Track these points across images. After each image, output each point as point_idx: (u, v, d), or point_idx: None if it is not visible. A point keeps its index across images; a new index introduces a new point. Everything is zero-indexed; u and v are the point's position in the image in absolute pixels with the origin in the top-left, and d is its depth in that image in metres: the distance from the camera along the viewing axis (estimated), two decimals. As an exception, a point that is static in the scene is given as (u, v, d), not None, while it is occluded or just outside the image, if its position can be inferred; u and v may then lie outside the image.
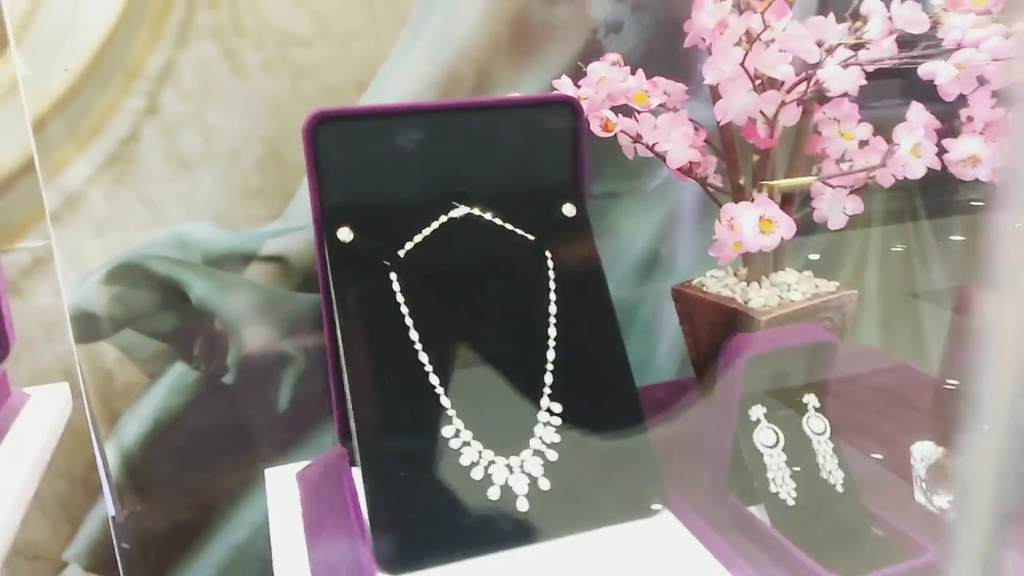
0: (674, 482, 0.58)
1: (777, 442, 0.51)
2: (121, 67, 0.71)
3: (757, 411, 0.52)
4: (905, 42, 0.59)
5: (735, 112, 0.56)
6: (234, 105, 0.75)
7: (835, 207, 0.63)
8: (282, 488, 0.59)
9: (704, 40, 0.58)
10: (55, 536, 0.78)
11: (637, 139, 0.62)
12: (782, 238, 0.67)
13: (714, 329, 0.64)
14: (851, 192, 0.64)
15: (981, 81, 0.56)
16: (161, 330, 0.78)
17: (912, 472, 0.55)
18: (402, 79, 0.79)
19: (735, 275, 0.68)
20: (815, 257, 0.89)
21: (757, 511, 0.51)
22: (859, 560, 0.46)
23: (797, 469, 0.50)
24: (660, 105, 0.63)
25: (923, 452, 0.54)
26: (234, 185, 0.75)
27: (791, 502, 0.49)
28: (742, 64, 0.53)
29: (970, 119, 0.58)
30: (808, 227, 0.65)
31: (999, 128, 0.58)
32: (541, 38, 0.83)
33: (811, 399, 0.53)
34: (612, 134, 0.61)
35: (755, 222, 0.54)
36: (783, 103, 0.55)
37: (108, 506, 0.79)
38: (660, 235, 0.91)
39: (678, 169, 0.62)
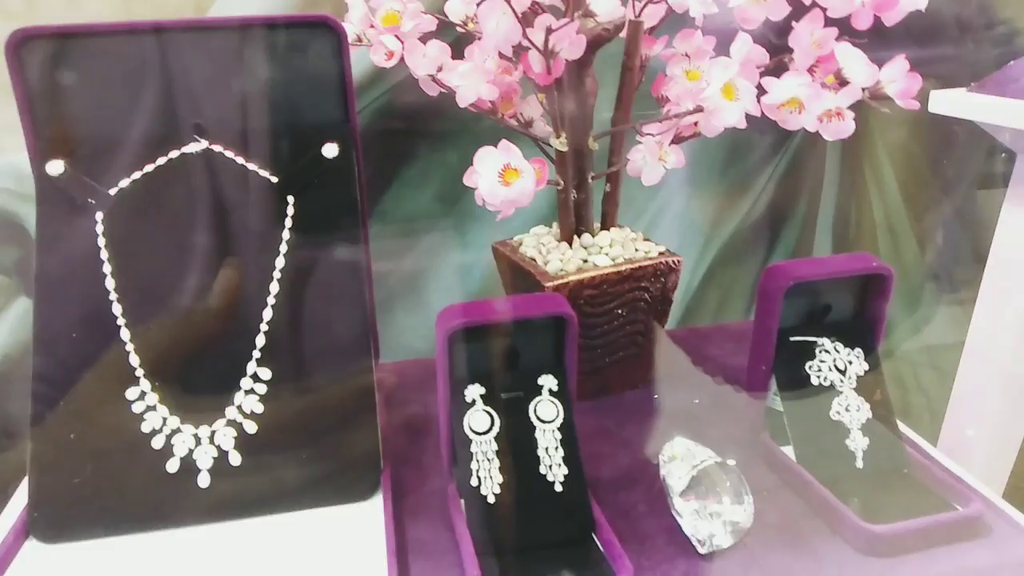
0: (418, 463, 0.52)
1: (490, 428, 0.44)
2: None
3: (473, 391, 0.44)
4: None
5: (496, 39, 0.47)
6: (65, 16, 0.70)
7: (651, 160, 0.54)
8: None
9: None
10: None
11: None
12: (607, 191, 0.59)
13: (525, 292, 0.57)
14: (673, 142, 0.54)
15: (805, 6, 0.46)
16: (2, 263, 0.76)
17: (661, 474, 0.46)
18: (249, 1, 0.73)
19: (554, 234, 0.60)
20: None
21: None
22: (540, 574, 0.39)
23: (509, 461, 0.43)
24: (465, 31, 0.55)
25: (679, 451, 0.46)
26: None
27: (491, 498, 0.42)
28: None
29: (791, 54, 0.47)
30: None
31: (830, 66, 0.47)
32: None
33: (548, 381, 0.45)
34: (393, 63, 0.53)
35: (497, 170, 0.46)
36: (550, 29, 0.46)
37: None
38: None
39: (476, 108, 0.53)
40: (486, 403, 0.44)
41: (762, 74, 0.49)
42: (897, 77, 0.44)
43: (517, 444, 0.44)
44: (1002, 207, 0.74)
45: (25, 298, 0.77)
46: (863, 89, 0.46)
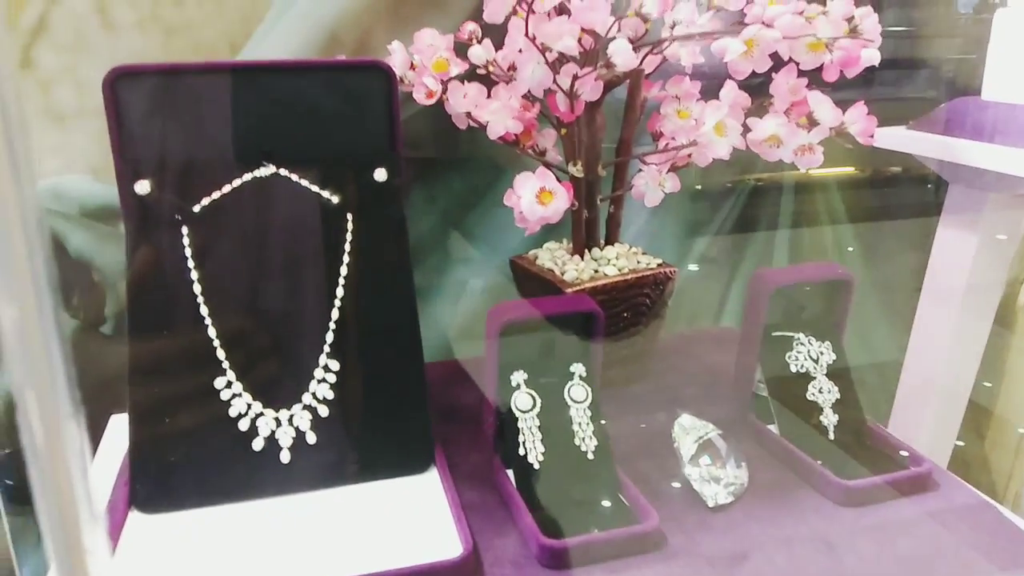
0: (458, 442, 0.60)
1: (533, 407, 0.52)
2: (-7, 20, 0.73)
3: (518, 376, 0.53)
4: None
5: (530, 84, 0.56)
6: (106, 62, 0.77)
7: (651, 185, 0.63)
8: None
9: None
10: (-62, 467, 0.82)
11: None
12: (611, 212, 0.68)
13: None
14: (670, 170, 0.64)
15: (779, 59, 0.56)
16: (39, 278, 0.81)
17: (674, 444, 0.56)
18: (278, 40, 0.80)
19: (566, 248, 0.69)
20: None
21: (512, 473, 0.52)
22: (582, 524, 0.48)
23: (550, 434, 0.52)
24: (489, 74, 0.64)
25: (686, 425, 0.55)
26: (108, 139, 0.78)
27: (537, 465, 0.51)
28: (527, 35, 0.53)
29: (770, 99, 0.58)
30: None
31: (803, 109, 0.58)
32: (426, 3, 0.83)
33: (578, 368, 0.54)
34: (433, 102, 0.62)
35: (534, 193, 0.55)
36: (576, 77, 0.56)
37: (-13, 444, 0.83)
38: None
39: (502, 140, 0.62)
40: (528, 386, 0.53)
41: (746, 115, 0.59)
42: (858, 119, 0.55)
43: (555, 420, 0.53)
44: (936, 231, 0.86)
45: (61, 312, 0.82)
46: (830, 128, 0.56)
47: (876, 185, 1.07)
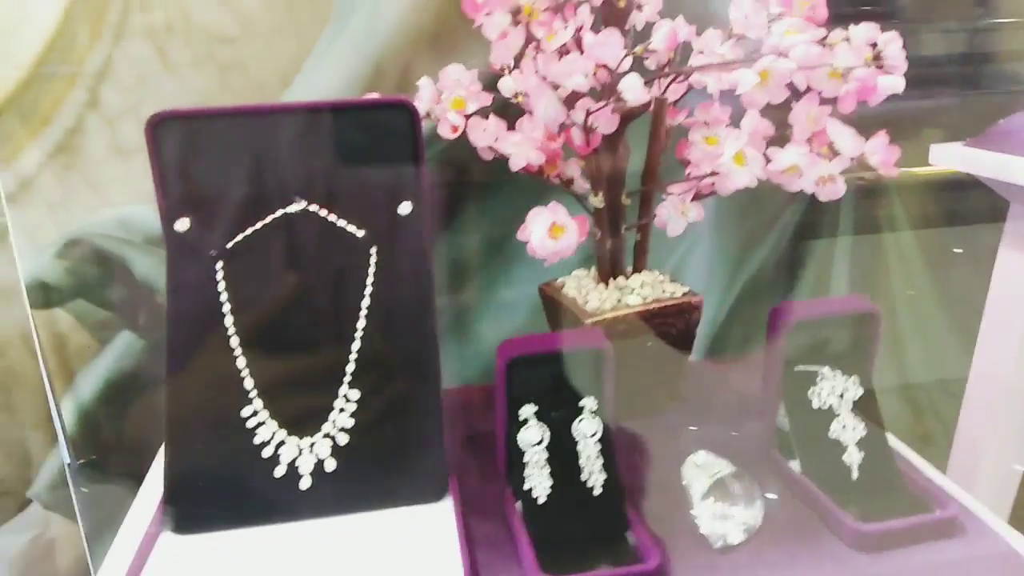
0: (480, 471, 0.61)
1: (541, 441, 0.53)
2: (65, 64, 0.79)
3: (527, 410, 0.54)
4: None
5: (545, 120, 0.57)
6: (167, 99, 0.82)
7: (674, 214, 0.63)
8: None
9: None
10: (19, 477, 0.90)
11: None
12: (638, 240, 0.68)
13: (568, 327, 0.66)
14: (694, 199, 0.64)
15: (799, 90, 0.55)
16: (109, 300, 0.87)
17: (683, 482, 0.55)
18: (326, 74, 0.84)
19: (593, 276, 0.69)
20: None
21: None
22: (584, 561, 0.48)
23: (556, 468, 0.52)
24: (517, 105, 0.65)
25: (700, 463, 0.55)
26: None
27: (542, 500, 0.51)
28: (536, 73, 0.54)
29: (789, 128, 0.56)
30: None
31: (824, 139, 0.57)
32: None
33: (589, 402, 0.54)
34: (457, 135, 0.64)
35: (546, 227, 0.55)
36: (589, 112, 0.56)
37: (63, 454, 0.90)
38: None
39: (525, 171, 0.63)
40: (538, 420, 0.54)
41: (768, 143, 0.58)
42: (879, 149, 0.53)
43: (563, 455, 0.53)
44: (999, 249, 0.82)
45: (127, 332, 0.88)
46: (851, 159, 0.55)
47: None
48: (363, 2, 0.82)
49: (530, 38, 0.57)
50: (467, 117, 0.62)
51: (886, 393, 0.62)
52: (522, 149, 0.62)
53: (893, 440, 0.58)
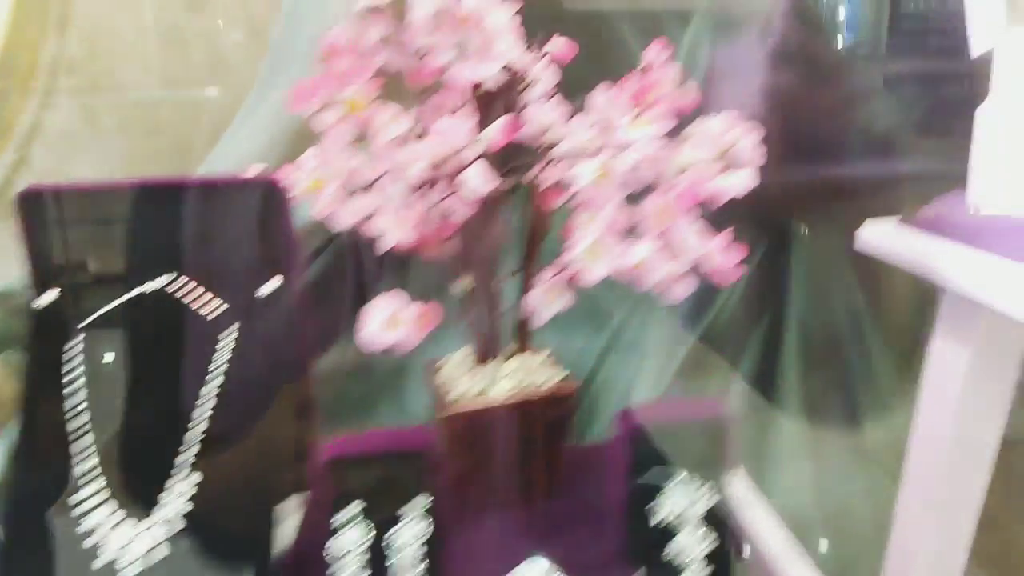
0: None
1: (351, 551, 0.51)
2: (-4, 127, 0.82)
3: (347, 513, 0.52)
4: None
5: (395, 206, 0.56)
6: (95, 159, 0.84)
7: (543, 302, 0.61)
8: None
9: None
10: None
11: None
12: (520, 321, 0.66)
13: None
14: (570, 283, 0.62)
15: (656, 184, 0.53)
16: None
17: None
18: (252, 134, 0.85)
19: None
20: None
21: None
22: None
23: (377, 571, 0.51)
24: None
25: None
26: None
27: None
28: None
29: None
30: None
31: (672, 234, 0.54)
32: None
33: (416, 503, 0.53)
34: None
35: (385, 317, 0.54)
36: (432, 202, 0.55)
37: None
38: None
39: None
40: (358, 523, 0.52)
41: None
42: (715, 252, 0.51)
43: (383, 558, 0.51)
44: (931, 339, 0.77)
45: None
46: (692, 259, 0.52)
47: None
48: (287, 67, 0.83)
49: (365, 126, 0.56)
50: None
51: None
52: (397, 226, 0.61)
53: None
